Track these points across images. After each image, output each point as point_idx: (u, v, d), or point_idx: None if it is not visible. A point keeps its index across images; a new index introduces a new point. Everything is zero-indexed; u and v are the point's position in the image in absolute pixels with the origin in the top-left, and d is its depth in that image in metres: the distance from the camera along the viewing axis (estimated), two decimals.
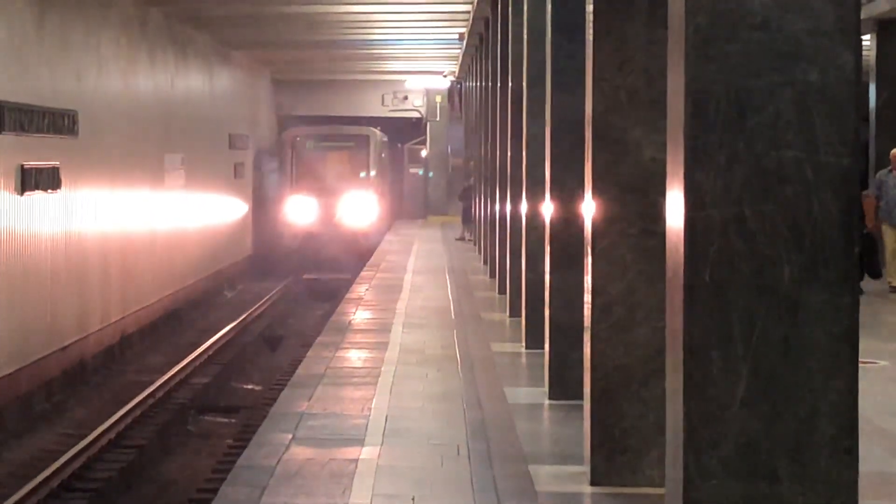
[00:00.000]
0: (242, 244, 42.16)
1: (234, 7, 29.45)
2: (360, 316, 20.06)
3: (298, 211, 42.78)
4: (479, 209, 33.56)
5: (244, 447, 11.20)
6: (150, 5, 28.12)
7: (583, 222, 9.59)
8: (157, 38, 29.35)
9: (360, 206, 43.10)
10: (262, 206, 44.47)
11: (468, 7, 28.74)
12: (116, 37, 25.68)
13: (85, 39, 23.45)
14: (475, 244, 34.85)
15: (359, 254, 37.84)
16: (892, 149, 21.52)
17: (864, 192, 20.69)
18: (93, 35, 23.95)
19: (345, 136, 46.05)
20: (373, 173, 44.44)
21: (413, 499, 9.15)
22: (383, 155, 47.71)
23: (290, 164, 43.79)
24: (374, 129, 46.70)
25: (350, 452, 10.57)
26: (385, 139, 49.23)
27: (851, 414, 5.43)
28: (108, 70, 24.99)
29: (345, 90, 50.09)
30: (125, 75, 26.27)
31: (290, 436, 11.25)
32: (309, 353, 16.30)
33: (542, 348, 13.27)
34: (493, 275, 24.69)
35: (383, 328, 18.41)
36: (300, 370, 14.98)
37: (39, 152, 20.53)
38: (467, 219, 39.04)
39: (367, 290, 24.27)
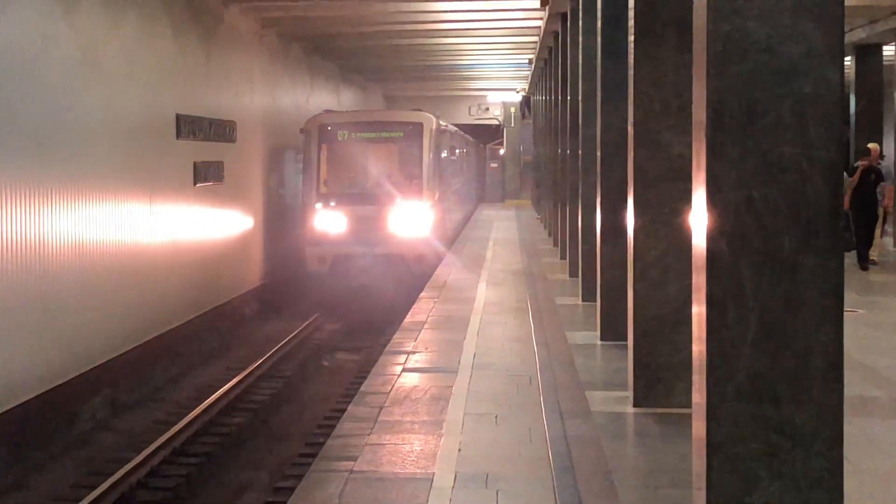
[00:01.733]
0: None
1: (356, 41, 29.54)
2: (452, 277, 20.09)
3: (326, 225, 24.03)
4: (545, 194, 33.49)
5: (365, 377, 11.29)
6: (292, 41, 28.26)
7: (626, 204, 9.56)
8: (296, 66, 29.51)
9: (410, 220, 24.08)
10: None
11: (536, 38, 28.71)
12: (265, 64, 25.86)
13: (241, 66, 23.64)
14: (542, 221, 34.77)
15: (409, 283, 22.79)
16: (866, 145, 21.24)
17: (883, 183, 20.33)
18: (247, 63, 24.14)
19: (391, 123, 25.87)
20: (429, 173, 24.72)
21: (496, 417, 9.20)
22: (445, 150, 27.90)
23: (315, 162, 24.62)
24: (430, 115, 25.96)
25: (447, 380, 10.64)
26: (448, 127, 30.24)
27: (838, 352, 5.41)
28: (259, 90, 25.17)
29: (439, 103, 49.77)
30: (271, 94, 26.45)
31: (400, 368, 11.34)
32: (414, 306, 16.36)
33: (595, 301, 13.25)
34: (556, 244, 24.65)
35: (471, 286, 18.45)
36: (407, 318, 15.02)
37: (207, 153, 20.77)
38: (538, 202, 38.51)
39: (459, 256, 24.28)
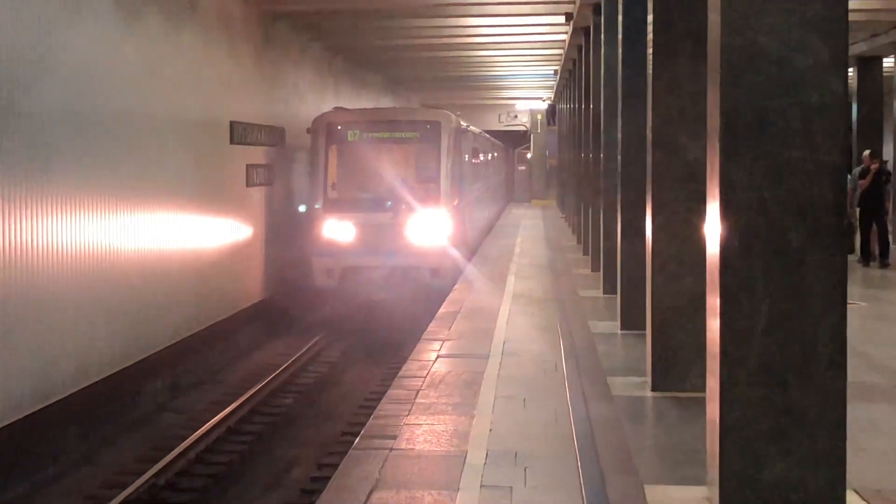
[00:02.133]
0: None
1: (397, 53, 29.58)
2: (483, 270, 20.04)
3: (334, 234, 20.22)
4: (569, 195, 33.42)
5: (403, 363, 11.32)
6: (336, 52, 28.33)
7: (645, 203, 9.55)
8: (340, 75, 29.56)
9: (427, 228, 20.12)
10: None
11: (561, 51, 28.71)
12: (311, 75, 25.93)
13: (289, 77, 23.70)
14: (566, 219, 34.69)
15: (425, 297, 19.50)
16: (872, 150, 21.12)
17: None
18: (294, 73, 24.21)
19: (405, 122, 21.45)
20: (447, 177, 20.63)
21: (524, 399, 9.21)
22: (466, 151, 23.48)
23: (323, 164, 20.66)
24: (449, 113, 21.89)
25: (479, 366, 10.64)
26: (469, 127, 25.62)
27: (842, 341, 5.41)
28: (306, 98, 25.22)
29: (472, 111, 49.61)
30: (317, 102, 26.48)
31: (436, 354, 11.36)
32: (448, 297, 16.36)
33: (616, 293, 13.23)
34: (579, 241, 24.60)
35: (501, 279, 18.42)
36: (442, 309, 14.99)
37: (257, 157, 20.82)
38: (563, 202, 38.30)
39: (489, 251, 24.23)
